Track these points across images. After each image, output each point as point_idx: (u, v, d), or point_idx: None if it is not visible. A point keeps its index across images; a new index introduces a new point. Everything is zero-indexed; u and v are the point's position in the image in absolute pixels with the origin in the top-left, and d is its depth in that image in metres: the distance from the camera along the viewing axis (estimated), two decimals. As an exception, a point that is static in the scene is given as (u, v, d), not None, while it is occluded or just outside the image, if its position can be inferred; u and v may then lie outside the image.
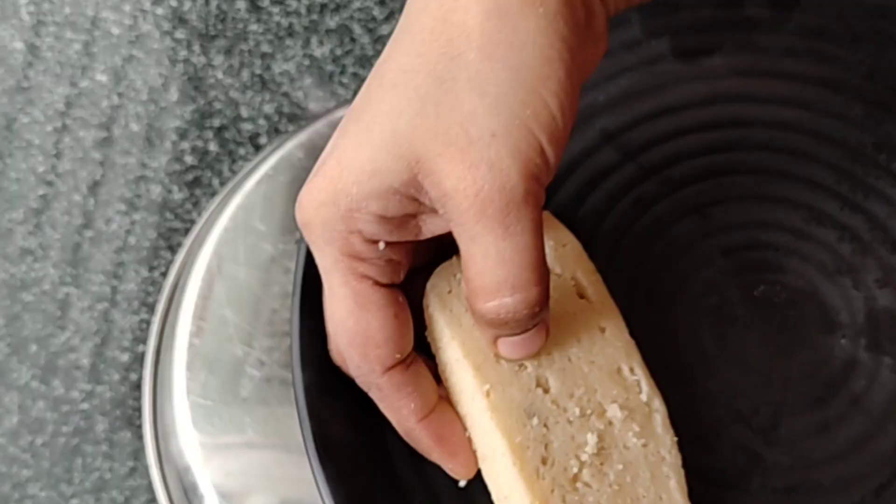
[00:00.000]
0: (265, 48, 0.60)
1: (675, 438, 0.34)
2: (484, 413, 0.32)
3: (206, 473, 0.44)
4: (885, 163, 0.41)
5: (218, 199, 0.52)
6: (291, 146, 0.50)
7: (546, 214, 0.35)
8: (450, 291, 0.34)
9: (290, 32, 0.60)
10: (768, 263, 0.40)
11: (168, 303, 0.50)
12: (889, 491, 0.36)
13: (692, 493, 0.35)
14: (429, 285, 0.34)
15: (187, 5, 0.61)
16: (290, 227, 0.47)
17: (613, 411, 0.33)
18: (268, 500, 0.43)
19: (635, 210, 0.41)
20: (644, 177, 0.41)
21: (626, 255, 0.40)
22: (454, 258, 0.34)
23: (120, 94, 0.59)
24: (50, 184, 0.57)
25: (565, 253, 0.35)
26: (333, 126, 0.50)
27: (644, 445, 0.33)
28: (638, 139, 0.42)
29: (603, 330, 0.35)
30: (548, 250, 0.34)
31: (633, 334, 0.36)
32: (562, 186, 0.41)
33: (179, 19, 0.61)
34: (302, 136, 0.50)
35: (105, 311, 0.55)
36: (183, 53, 0.60)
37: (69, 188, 0.57)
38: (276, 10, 0.61)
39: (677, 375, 0.38)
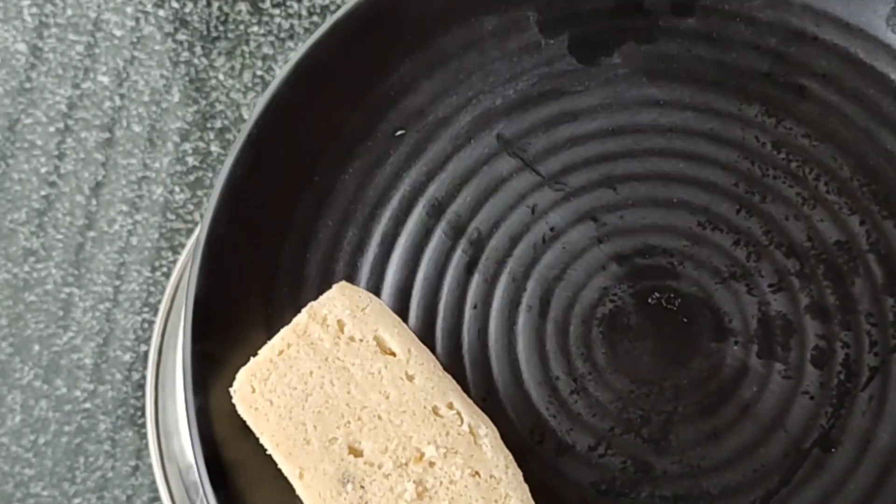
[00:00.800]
0: (266, 50, 0.60)
1: (510, 456, 0.35)
2: (303, 494, 0.35)
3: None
4: (784, 162, 0.41)
5: (219, 199, 0.52)
6: (292, 147, 0.50)
7: (342, 285, 0.37)
8: (253, 391, 0.36)
9: (292, 34, 0.61)
10: (663, 270, 0.40)
11: (170, 303, 0.50)
12: (777, 498, 0.36)
13: (583, 503, 0.36)
14: (233, 387, 0.36)
15: (189, 7, 0.61)
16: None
17: (431, 452, 0.35)
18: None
19: (530, 218, 0.41)
20: (540, 184, 0.41)
21: (519, 263, 0.40)
22: (254, 359, 0.36)
23: (122, 96, 0.59)
24: (52, 185, 0.58)
25: (364, 318, 0.37)
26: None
27: (473, 475, 0.35)
28: (535, 146, 0.41)
29: (412, 378, 0.36)
30: (346, 319, 0.36)
31: (524, 345, 0.38)
32: (458, 195, 0.41)
33: (181, 21, 0.61)
34: (302, 138, 0.51)
35: (107, 311, 0.55)
36: (185, 55, 0.60)
37: (72, 189, 0.57)
38: (277, 12, 0.61)
39: (569, 386, 0.38)
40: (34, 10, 0.62)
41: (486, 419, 0.36)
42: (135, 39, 0.61)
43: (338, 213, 0.41)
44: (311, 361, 0.36)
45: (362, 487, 0.35)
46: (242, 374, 0.36)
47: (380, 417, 0.35)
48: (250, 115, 0.39)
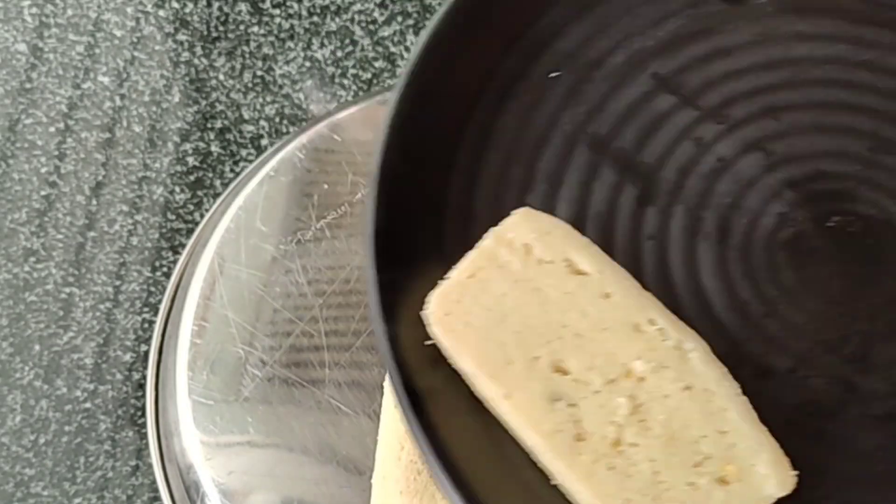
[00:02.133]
0: (267, 50, 0.60)
1: (724, 369, 0.34)
2: (510, 415, 0.34)
3: (207, 472, 0.44)
4: None
5: (220, 200, 0.53)
6: (293, 147, 0.50)
7: (525, 210, 0.36)
8: (448, 314, 0.35)
9: (292, 34, 0.61)
10: (838, 193, 0.39)
11: (170, 303, 0.50)
12: None
13: (791, 426, 0.35)
14: (426, 312, 0.35)
15: (189, 7, 0.62)
16: (291, 227, 0.48)
17: (639, 367, 0.34)
18: (269, 499, 0.43)
19: (696, 150, 0.40)
20: (702, 118, 0.40)
21: (692, 194, 0.39)
22: (444, 282, 0.35)
23: (122, 96, 0.60)
24: (53, 185, 0.58)
25: (551, 240, 0.36)
26: (334, 127, 0.51)
27: (686, 388, 0.34)
28: (691, 82, 0.41)
29: (608, 295, 0.35)
30: (533, 242, 0.35)
31: (707, 273, 0.37)
32: (620, 133, 0.41)
33: (181, 21, 0.61)
34: (303, 138, 0.51)
35: (108, 311, 0.55)
36: (185, 55, 0.60)
37: (72, 189, 0.57)
38: (277, 12, 0.61)
39: (760, 310, 0.37)
40: (34, 10, 0.62)
41: (692, 334, 0.35)
42: (135, 40, 0.61)
43: (501, 151, 0.40)
44: (502, 283, 0.35)
45: (573, 405, 0.33)
46: (435, 298, 0.35)
47: (581, 336, 0.34)
48: (411, 52, 0.39)
